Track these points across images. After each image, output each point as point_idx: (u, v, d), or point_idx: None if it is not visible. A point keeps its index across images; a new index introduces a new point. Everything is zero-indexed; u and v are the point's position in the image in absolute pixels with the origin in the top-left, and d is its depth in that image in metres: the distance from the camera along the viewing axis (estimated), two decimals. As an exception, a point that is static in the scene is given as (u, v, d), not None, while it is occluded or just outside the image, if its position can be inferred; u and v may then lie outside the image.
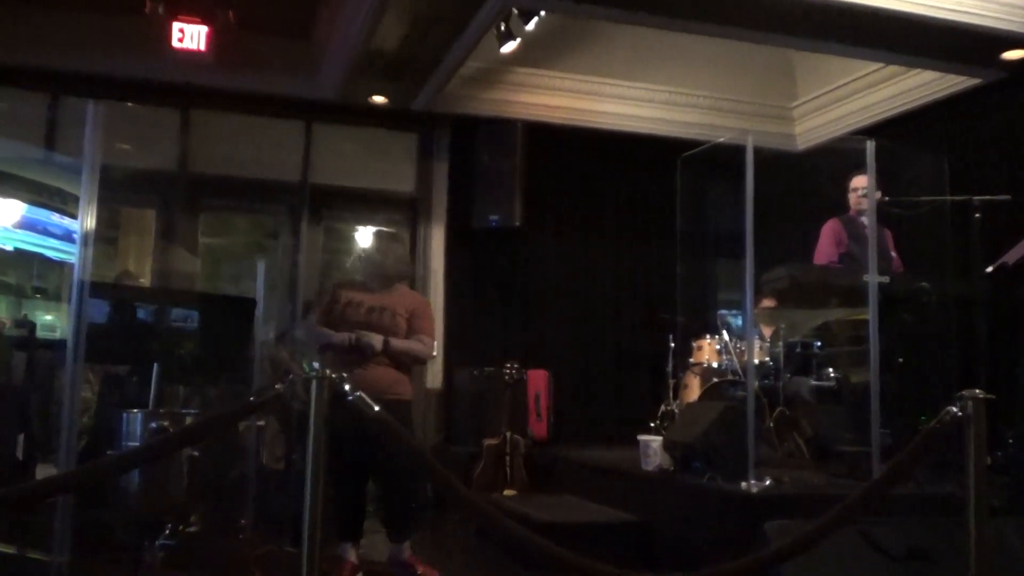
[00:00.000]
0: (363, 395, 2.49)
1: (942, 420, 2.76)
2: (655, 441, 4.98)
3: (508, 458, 6.21)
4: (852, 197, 5.46)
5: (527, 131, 7.44)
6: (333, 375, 2.48)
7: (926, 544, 3.63)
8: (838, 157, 5.46)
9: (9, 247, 7.09)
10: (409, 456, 2.58)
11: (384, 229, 4.44)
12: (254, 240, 9.03)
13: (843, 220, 5.36)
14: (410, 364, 4.42)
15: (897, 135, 6.73)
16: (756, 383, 5.29)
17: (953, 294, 5.01)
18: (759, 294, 5.43)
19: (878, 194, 5.14)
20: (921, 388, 4.99)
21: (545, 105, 7.56)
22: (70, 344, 3.54)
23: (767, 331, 6.47)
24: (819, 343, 5.81)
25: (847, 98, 7.53)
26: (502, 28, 6.29)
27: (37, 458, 5.14)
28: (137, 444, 3.79)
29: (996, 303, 5.24)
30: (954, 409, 2.75)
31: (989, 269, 4.93)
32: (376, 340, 4.19)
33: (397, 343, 4.25)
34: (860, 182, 5.34)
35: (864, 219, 5.14)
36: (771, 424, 5.59)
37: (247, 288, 6.14)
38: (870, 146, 4.57)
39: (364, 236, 8.26)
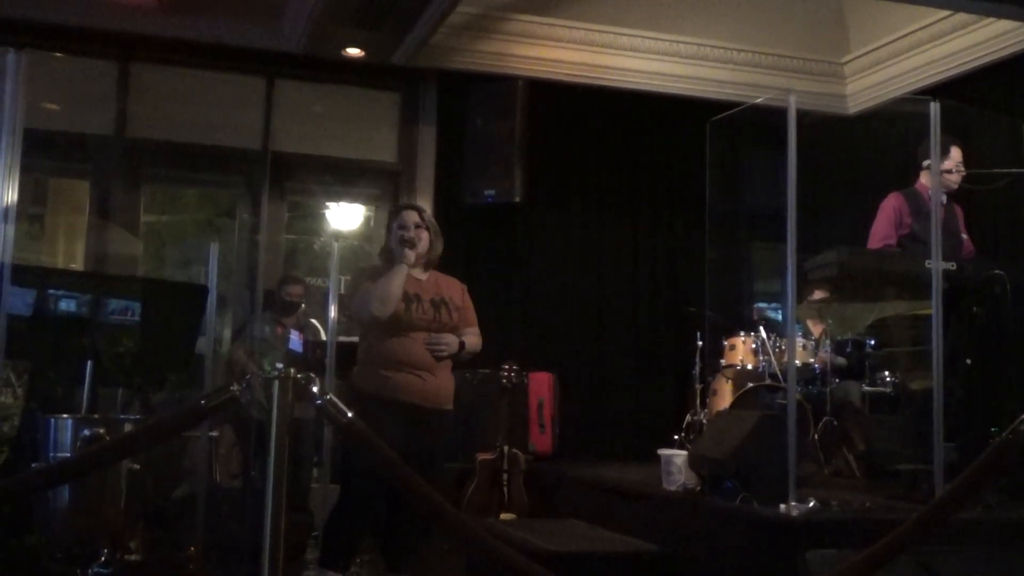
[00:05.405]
0: (334, 398, 2.50)
1: (1016, 431, 2.76)
2: (679, 457, 4.99)
3: (506, 476, 6.22)
4: (939, 175, 5.35)
5: (529, 90, 7.42)
6: (299, 376, 2.48)
7: (997, 578, 3.64)
8: (897, 121, 5.46)
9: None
10: (388, 471, 2.59)
11: (412, 203, 4.32)
12: (205, 218, 9.05)
13: (907, 195, 5.31)
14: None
15: (967, 96, 6.73)
16: (798, 389, 5.31)
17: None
18: (805, 284, 5.43)
19: (949, 163, 5.13)
20: (992, 395, 4.99)
21: (550, 59, 7.54)
22: (-12, 338, 3.54)
23: (816, 329, 6.47)
24: (873, 342, 5.82)
25: (907, 52, 7.51)
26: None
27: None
28: (67, 455, 3.80)
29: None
30: (1031, 418, 2.76)
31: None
32: (453, 343, 4.12)
33: (470, 343, 4.20)
34: (957, 155, 5.23)
35: (943, 197, 5.06)
36: (816, 437, 5.61)
37: (197, 274, 6.16)
38: (934, 108, 4.56)
39: (346, 213, 8.22)
